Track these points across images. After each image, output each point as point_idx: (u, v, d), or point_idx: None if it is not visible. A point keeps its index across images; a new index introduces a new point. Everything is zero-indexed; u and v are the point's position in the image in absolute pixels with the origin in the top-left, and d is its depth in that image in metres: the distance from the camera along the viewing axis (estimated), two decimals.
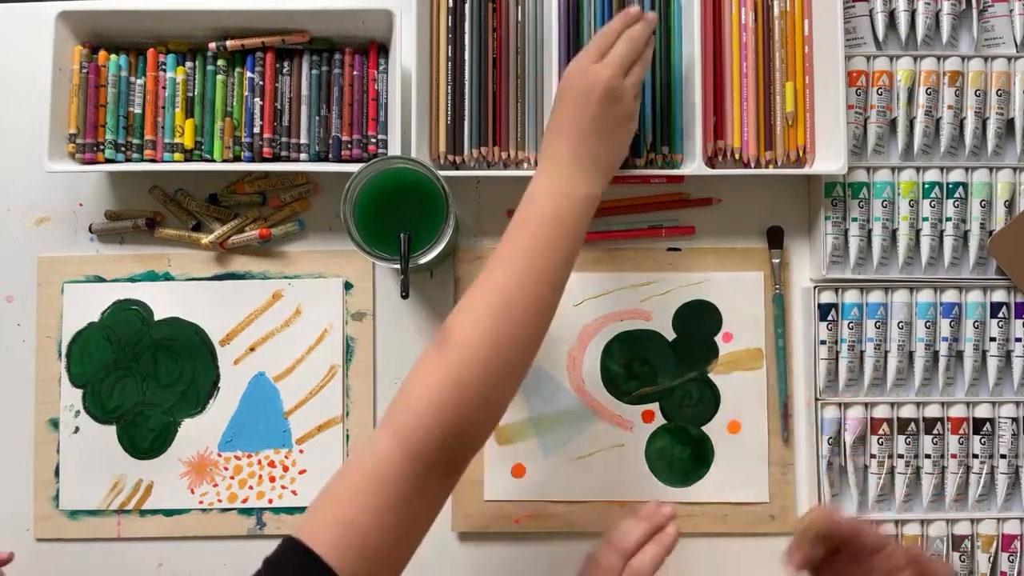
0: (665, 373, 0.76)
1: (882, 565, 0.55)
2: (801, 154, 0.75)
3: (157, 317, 0.76)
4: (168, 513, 0.75)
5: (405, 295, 0.63)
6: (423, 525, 0.56)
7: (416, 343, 0.76)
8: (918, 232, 0.75)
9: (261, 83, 0.74)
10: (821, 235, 0.75)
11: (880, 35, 0.76)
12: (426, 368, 0.56)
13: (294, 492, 0.75)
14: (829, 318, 0.74)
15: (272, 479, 0.75)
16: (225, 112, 0.74)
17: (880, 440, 0.74)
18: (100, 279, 0.76)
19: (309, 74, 0.74)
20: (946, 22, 0.76)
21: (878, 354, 0.74)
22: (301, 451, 0.75)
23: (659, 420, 0.76)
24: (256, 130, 0.74)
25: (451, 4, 0.74)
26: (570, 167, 0.62)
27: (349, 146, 0.74)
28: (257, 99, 0.74)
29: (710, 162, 0.74)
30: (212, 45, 0.74)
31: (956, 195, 0.75)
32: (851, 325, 0.74)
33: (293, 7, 0.74)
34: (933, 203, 0.75)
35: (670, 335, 0.76)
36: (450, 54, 0.74)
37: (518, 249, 0.59)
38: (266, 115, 0.74)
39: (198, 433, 0.75)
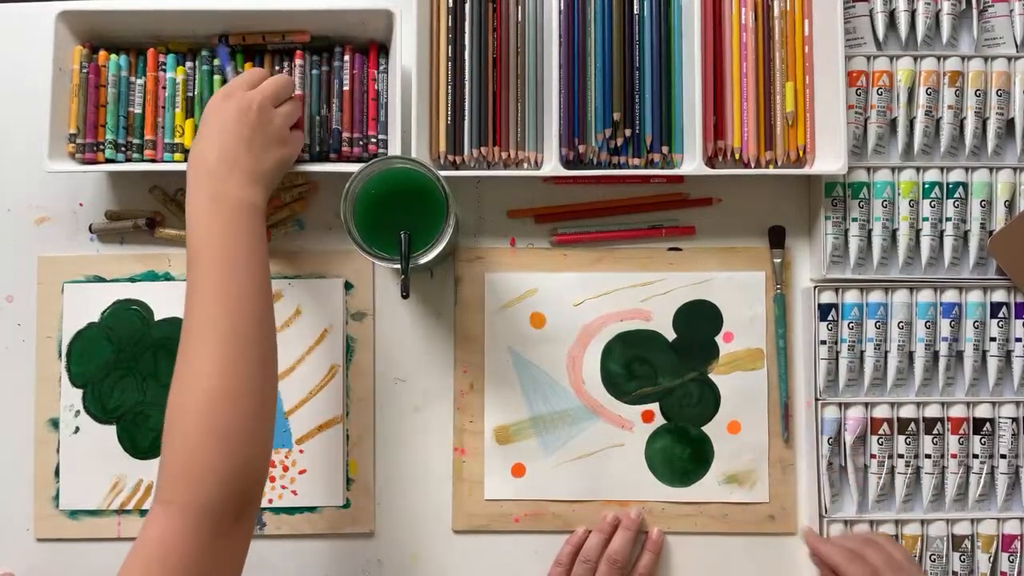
0: (665, 373, 0.76)
1: None
2: (801, 154, 0.75)
3: (157, 317, 0.76)
4: None
5: (405, 295, 0.63)
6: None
7: (416, 343, 0.76)
8: (918, 232, 0.75)
9: None
10: (821, 235, 0.75)
11: (880, 35, 0.76)
12: (177, 428, 0.56)
13: (294, 492, 0.75)
14: (829, 318, 0.74)
15: (272, 479, 0.75)
16: None
17: (880, 440, 0.74)
18: (100, 279, 0.76)
19: (309, 74, 0.74)
20: (946, 22, 0.76)
21: (878, 354, 0.74)
22: (301, 451, 0.75)
23: (659, 420, 0.76)
24: None
25: (451, 4, 0.74)
26: (219, 171, 0.62)
27: (349, 146, 0.74)
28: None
29: (710, 162, 0.74)
30: (214, 39, 0.74)
31: (956, 195, 0.75)
32: (851, 325, 0.74)
33: (293, 7, 0.74)
34: (933, 203, 0.75)
35: (670, 335, 0.76)
36: (450, 54, 0.74)
37: (206, 274, 0.59)
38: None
39: None
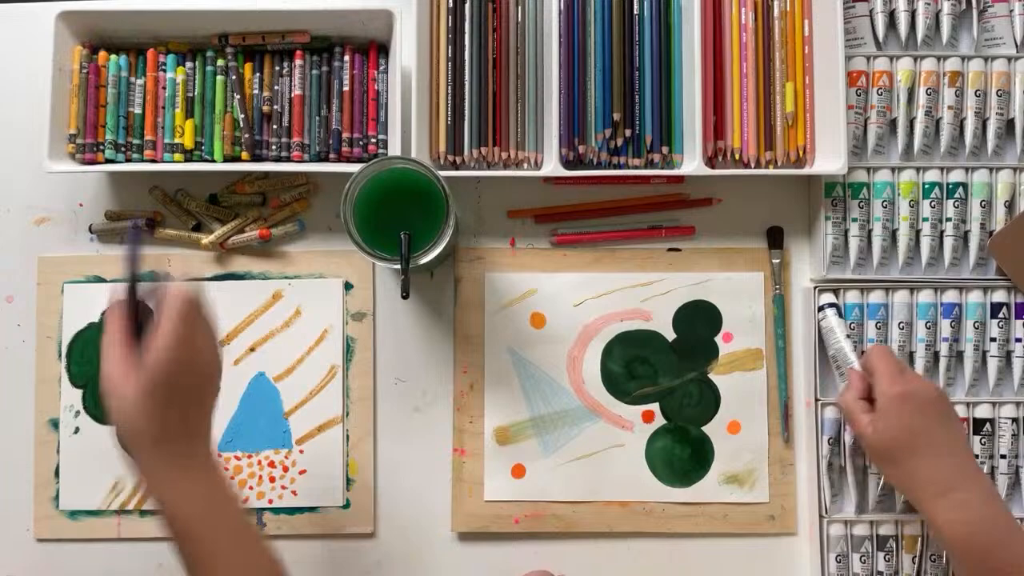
0: (665, 373, 0.76)
1: None
2: (801, 154, 0.75)
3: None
4: None
5: (405, 295, 0.63)
6: None
7: (416, 343, 0.76)
8: (918, 232, 0.75)
9: (260, 81, 0.74)
10: (821, 235, 0.75)
11: (880, 35, 0.76)
12: None
13: (294, 492, 0.75)
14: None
15: (272, 479, 0.75)
16: (225, 111, 0.74)
17: None
18: (100, 279, 0.76)
19: (309, 74, 0.74)
20: (946, 22, 0.76)
21: None
22: (301, 451, 0.75)
23: (659, 420, 0.76)
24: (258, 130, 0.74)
25: (451, 4, 0.74)
26: (162, 455, 0.56)
27: (349, 146, 0.74)
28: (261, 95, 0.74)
29: (710, 162, 0.74)
30: (215, 40, 0.74)
31: (956, 195, 0.75)
32: (852, 326, 0.74)
33: (293, 7, 0.74)
34: (933, 203, 0.75)
35: (670, 335, 0.76)
36: (450, 54, 0.74)
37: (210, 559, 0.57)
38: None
39: None
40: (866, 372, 0.69)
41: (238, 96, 0.73)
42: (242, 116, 0.73)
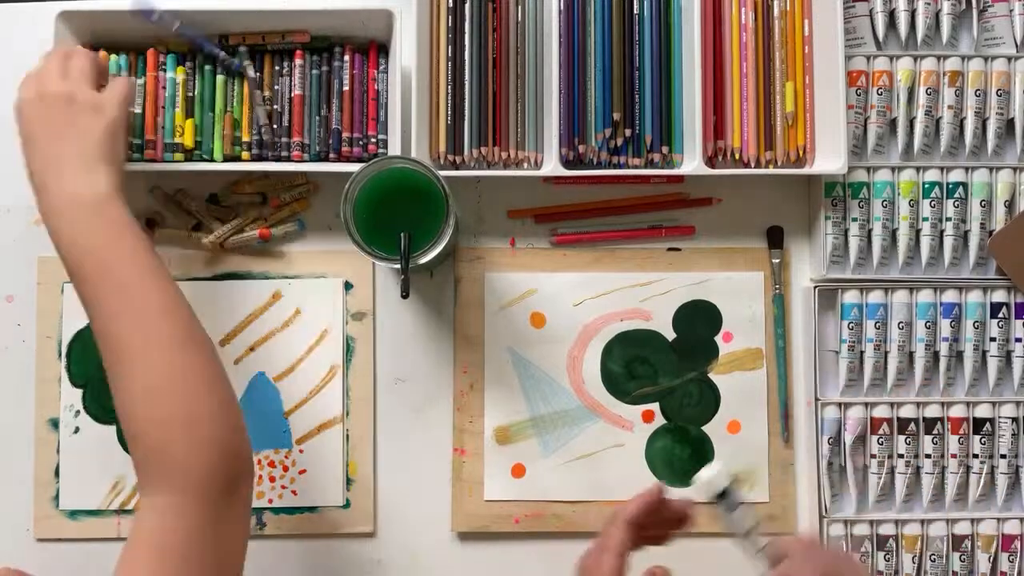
0: (665, 373, 0.76)
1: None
2: (801, 154, 0.75)
3: None
4: None
5: (405, 295, 0.63)
6: (234, 556, 0.56)
7: (416, 343, 0.76)
8: (918, 232, 0.75)
9: (261, 82, 0.74)
10: (821, 235, 0.75)
11: (880, 35, 0.76)
12: (138, 424, 0.56)
13: (294, 492, 0.75)
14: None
15: (272, 479, 0.75)
16: (225, 111, 0.74)
17: (880, 440, 0.74)
18: None
19: (309, 74, 0.74)
20: (946, 22, 0.76)
21: (878, 354, 0.74)
22: (301, 451, 0.75)
23: (659, 420, 0.76)
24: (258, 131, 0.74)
25: (451, 4, 0.74)
26: (47, 178, 0.61)
27: (349, 146, 0.74)
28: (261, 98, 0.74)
29: (710, 162, 0.74)
30: (216, 39, 0.74)
31: (956, 195, 0.75)
32: (851, 325, 0.74)
33: (293, 7, 0.74)
34: (933, 203, 0.75)
35: (670, 335, 0.76)
36: (450, 54, 0.74)
37: (102, 284, 0.59)
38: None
39: None
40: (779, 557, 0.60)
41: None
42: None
